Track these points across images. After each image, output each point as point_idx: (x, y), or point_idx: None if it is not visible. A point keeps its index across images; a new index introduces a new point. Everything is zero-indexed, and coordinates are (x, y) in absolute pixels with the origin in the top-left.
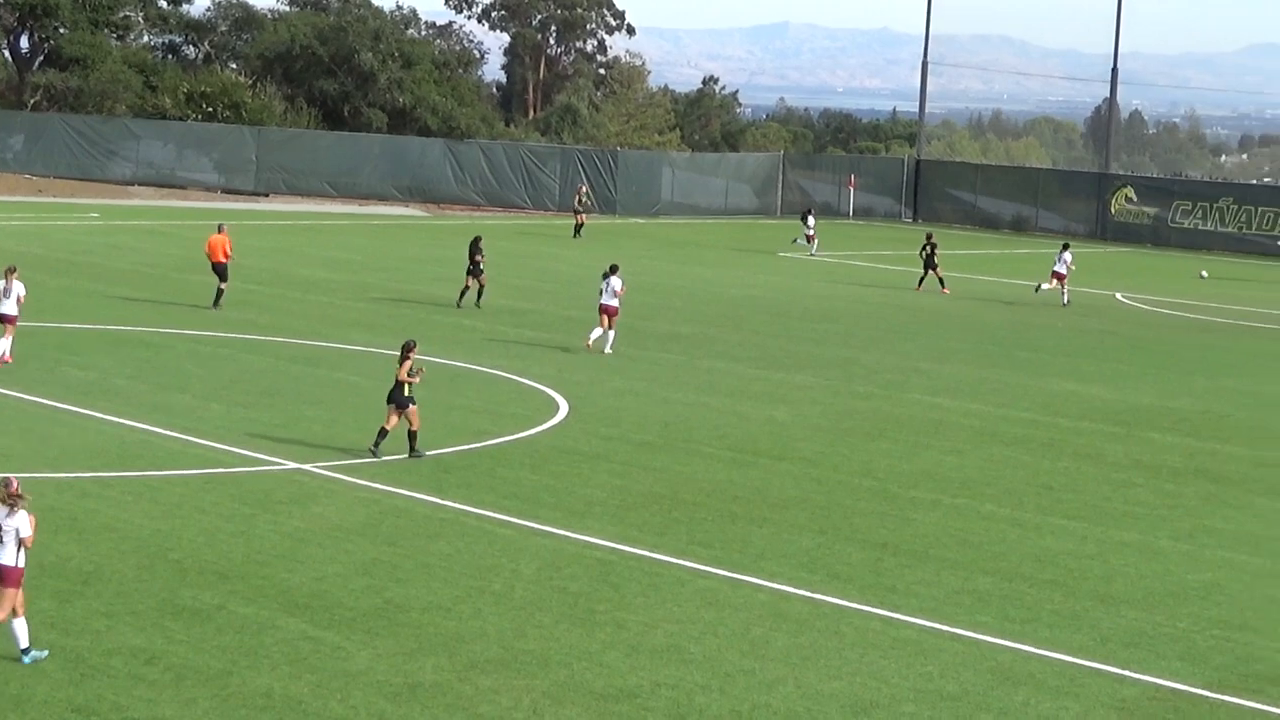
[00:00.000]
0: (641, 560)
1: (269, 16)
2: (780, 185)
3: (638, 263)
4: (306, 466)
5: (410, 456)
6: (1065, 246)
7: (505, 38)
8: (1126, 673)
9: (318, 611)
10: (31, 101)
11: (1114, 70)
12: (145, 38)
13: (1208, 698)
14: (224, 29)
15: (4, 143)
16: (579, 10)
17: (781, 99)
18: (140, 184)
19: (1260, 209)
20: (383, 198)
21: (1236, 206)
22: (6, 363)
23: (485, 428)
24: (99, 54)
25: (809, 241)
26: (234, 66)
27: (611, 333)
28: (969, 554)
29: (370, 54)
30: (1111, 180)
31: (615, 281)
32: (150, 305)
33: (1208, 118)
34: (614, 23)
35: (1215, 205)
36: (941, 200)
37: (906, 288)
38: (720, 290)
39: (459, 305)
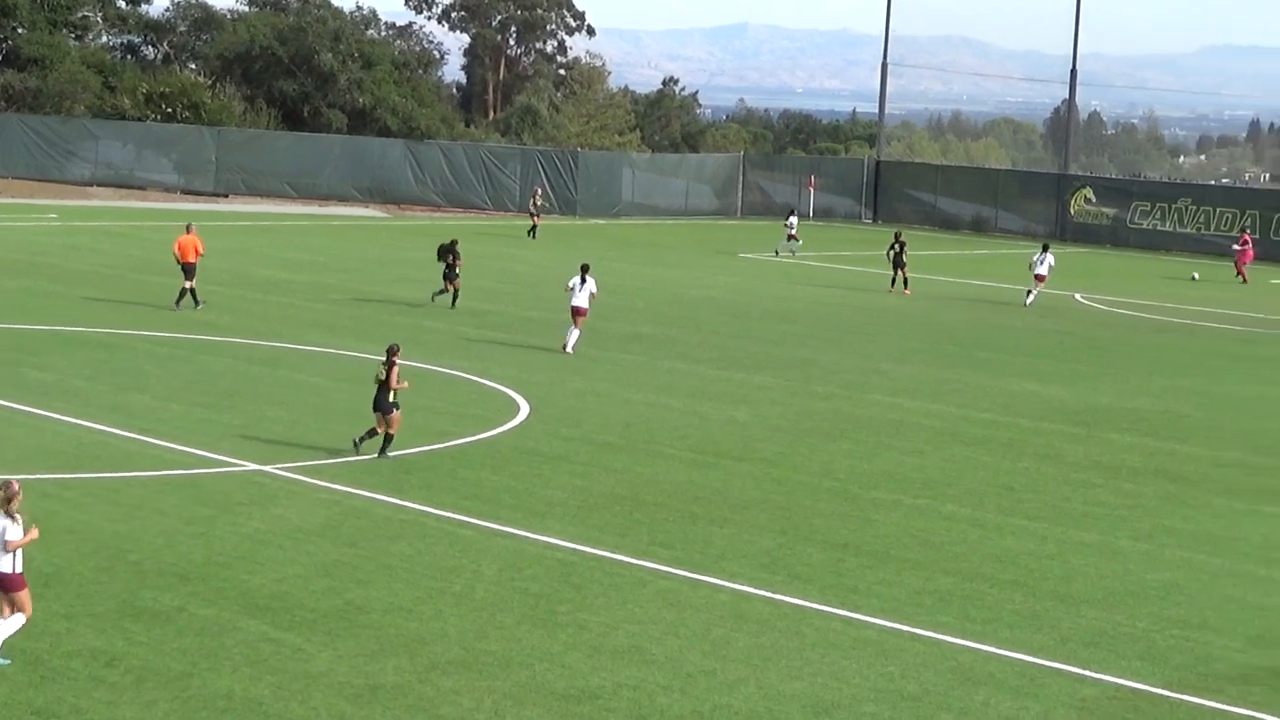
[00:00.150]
0: (603, 561)
1: (228, 17)
2: (740, 186)
3: (598, 264)
4: (267, 468)
5: (380, 457)
6: (1045, 248)
7: (465, 38)
8: (1087, 672)
9: (278, 613)
10: None
11: (1073, 71)
12: (104, 38)
13: (1167, 697)
14: (183, 29)
15: None
16: (539, 11)
17: (741, 100)
18: (99, 185)
19: (1218, 210)
20: (343, 198)
21: (1195, 207)
22: None
23: (446, 429)
24: (57, 54)
25: (790, 240)
26: (193, 67)
27: (576, 332)
28: (930, 554)
29: (330, 54)
30: (1071, 181)
31: (591, 284)
32: (109, 306)
33: (1166, 119)
34: (574, 23)
35: (1174, 206)
36: (901, 201)
37: (866, 288)
38: (680, 291)
39: (433, 300)
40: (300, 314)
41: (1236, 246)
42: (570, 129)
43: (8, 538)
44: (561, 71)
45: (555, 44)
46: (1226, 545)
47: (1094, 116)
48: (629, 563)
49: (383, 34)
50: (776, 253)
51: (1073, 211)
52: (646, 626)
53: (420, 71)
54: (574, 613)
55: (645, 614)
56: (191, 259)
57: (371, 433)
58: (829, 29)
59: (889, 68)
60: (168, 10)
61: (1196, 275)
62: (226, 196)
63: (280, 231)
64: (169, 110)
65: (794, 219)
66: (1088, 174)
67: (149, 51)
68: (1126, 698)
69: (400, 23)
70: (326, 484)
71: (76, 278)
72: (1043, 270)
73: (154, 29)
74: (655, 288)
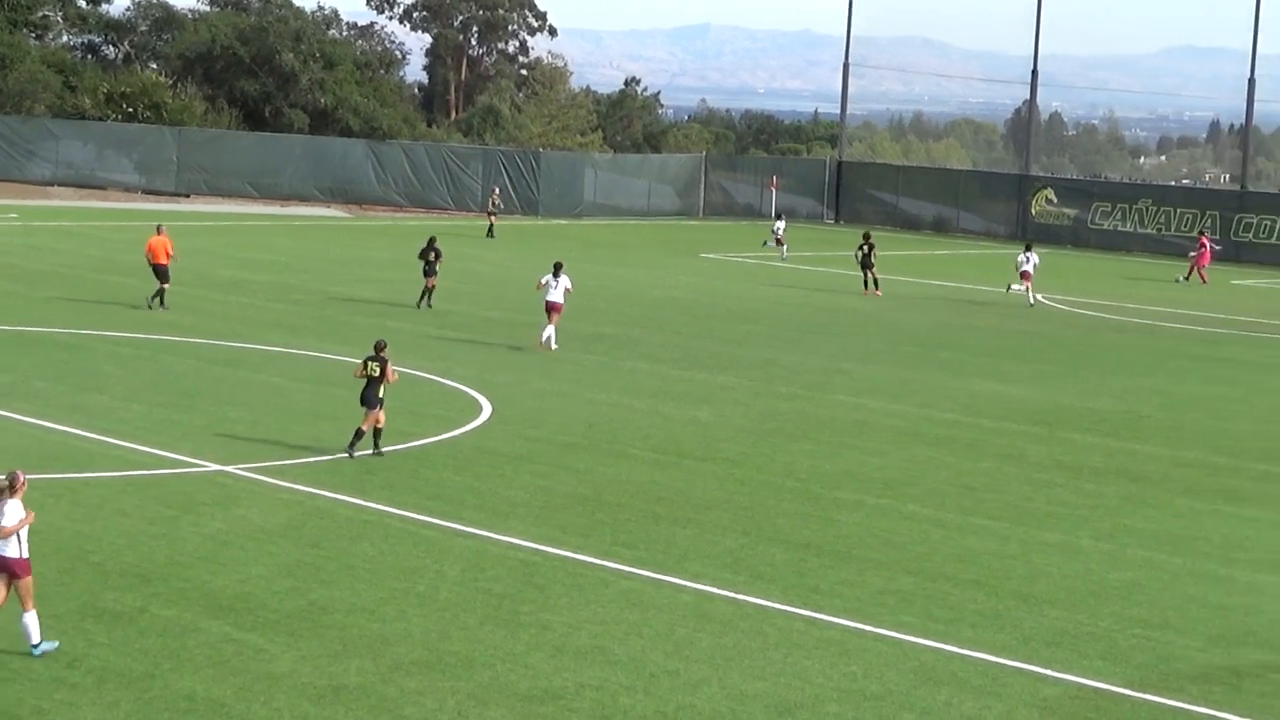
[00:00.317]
0: (565, 561)
1: (189, 16)
2: (702, 186)
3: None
4: (229, 468)
5: (348, 450)
6: (1028, 247)
7: (427, 38)
8: (1049, 672)
9: (241, 614)
10: None
11: (1034, 72)
12: (64, 37)
13: (1129, 696)
14: (144, 29)
15: None
16: (500, 11)
17: (703, 100)
18: (60, 184)
19: (1178, 210)
20: (304, 198)
21: (1155, 208)
22: None
23: (408, 429)
24: (17, 54)
25: (778, 245)
26: (154, 67)
27: (551, 327)
28: (892, 554)
29: (291, 54)
30: (1032, 181)
31: (566, 280)
32: (69, 306)
33: (1126, 119)
34: (535, 24)
35: (1134, 207)
36: (863, 201)
37: (829, 289)
38: (643, 291)
39: (425, 306)
40: (262, 314)
41: (1193, 253)
42: (532, 129)
43: (3, 523)
44: (523, 72)
45: (517, 44)
46: (1187, 545)
47: (1055, 117)
48: (592, 563)
49: (344, 34)
50: (764, 244)
51: (1034, 212)
52: (609, 627)
53: (382, 71)
54: (537, 613)
55: (608, 614)
56: (162, 260)
57: (359, 434)
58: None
59: (850, 68)
60: (128, 10)
61: (1180, 278)
62: (188, 196)
63: (242, 231)
64: (130, 110)
65: (781, 224)
66: (1049, 175)
67: (110, 51)
68: (1088, 697)
69: (362, 23)
70: (289, 484)
71: (37, 278)
72: (1028, 268)
73: (115, 29)
74: (617, 288)
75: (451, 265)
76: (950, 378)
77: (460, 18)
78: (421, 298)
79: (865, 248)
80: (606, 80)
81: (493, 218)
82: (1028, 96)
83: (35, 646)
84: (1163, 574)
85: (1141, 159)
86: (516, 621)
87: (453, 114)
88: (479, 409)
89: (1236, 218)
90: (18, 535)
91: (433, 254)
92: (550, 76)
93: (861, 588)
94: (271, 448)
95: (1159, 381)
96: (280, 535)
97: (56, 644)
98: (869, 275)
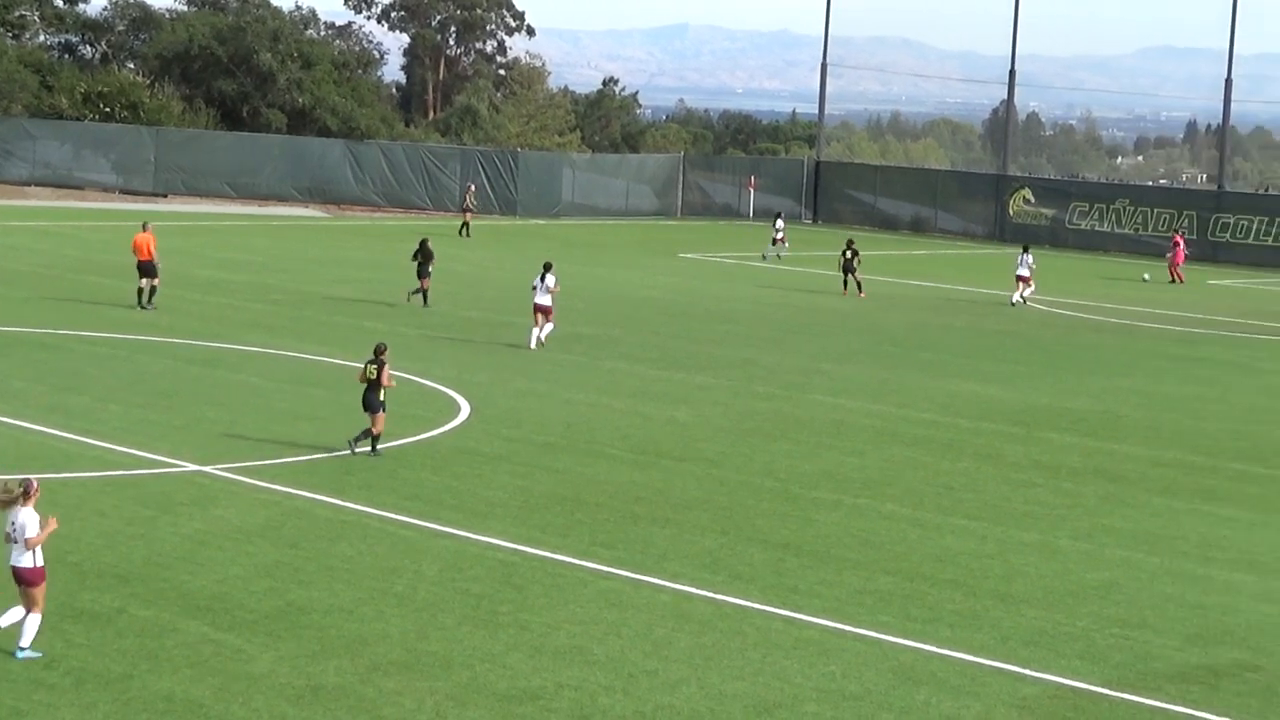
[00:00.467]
0: (544, 561)
1: (167, 16)
2: (680, 186)
3: (539, 264)
4: (207, 468)
5: (351, 445)
6: (1025, 249)
7: (405, 38)
8: (1027, 671)
9: (219, 614)
10: None
11: (1011, 72)
12: (41, 37)
13: (1107, 695)
14: (121, 29)
15: None
16: (478, 11)
17: (681, 100)
18: (37, 184)
19: (1155, 210)
20: (282, 198)
21: (1133, 208)
22: None
23: (386, 429)
24: None
25: (775, 245)
26: (131, 66)
27: (549, 325)
28: (870, 554)
29: (269, 54)
30: (1009, 181)
31: (550, 280)
32: (46, 306)
33: (1103, 120)
34: (513, 23)
35: (1111, 206)
36: (841, 201)
37: (807, 289)
38: (621, 291)
39: (422, 304)
40: (239, 314)
41: (1168, 254)
42: (510, 129)
43: (28, 535)
44: (501, 72)
45: (495, 44)
46: (1165, 544)
47: (1032, 117)
48: (570, 563)
49: (322, 34)
50: (764, 257)
51: (1011, 212)
52: (588, 627)
53: (360, 71)
54: (515, 613)
55: (587, 614)
56: (146, 256)
57: (366, 433)
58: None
59: (828, 68)
60: (105, 9)
61: (1147, 276)
62: (165, 196)
63: (219, 231)
64: (107, 110)
65: (781, 222)
66: (1026, 175)
67: (87, 51)
68: (1066, 696)
69: (339, 22)
70: (267, 484)
71: (14, 278)
72: (1023, 271)
73: (92, 28)
74: (596, 288)
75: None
76: (928, 378)
77: (438, 17)
78: (411, 295)
79: (848, 254)
80: (584, 80)
81: (468, 214)
82: (1005, 97)
83: (21, 649)
84: (1140, 573)
85: (1119, 159)
86: (495, 621)
87: (431, 114)
88: (457, 409)
89: (1214, 218)
90: (26, 545)
91: (422, 255)
92: (528, 76)
93: (840, 587)
94: (250, 448)
95: (1137, 381)
96: (258, 535)
97: (40, 654)
98: (853, 278)
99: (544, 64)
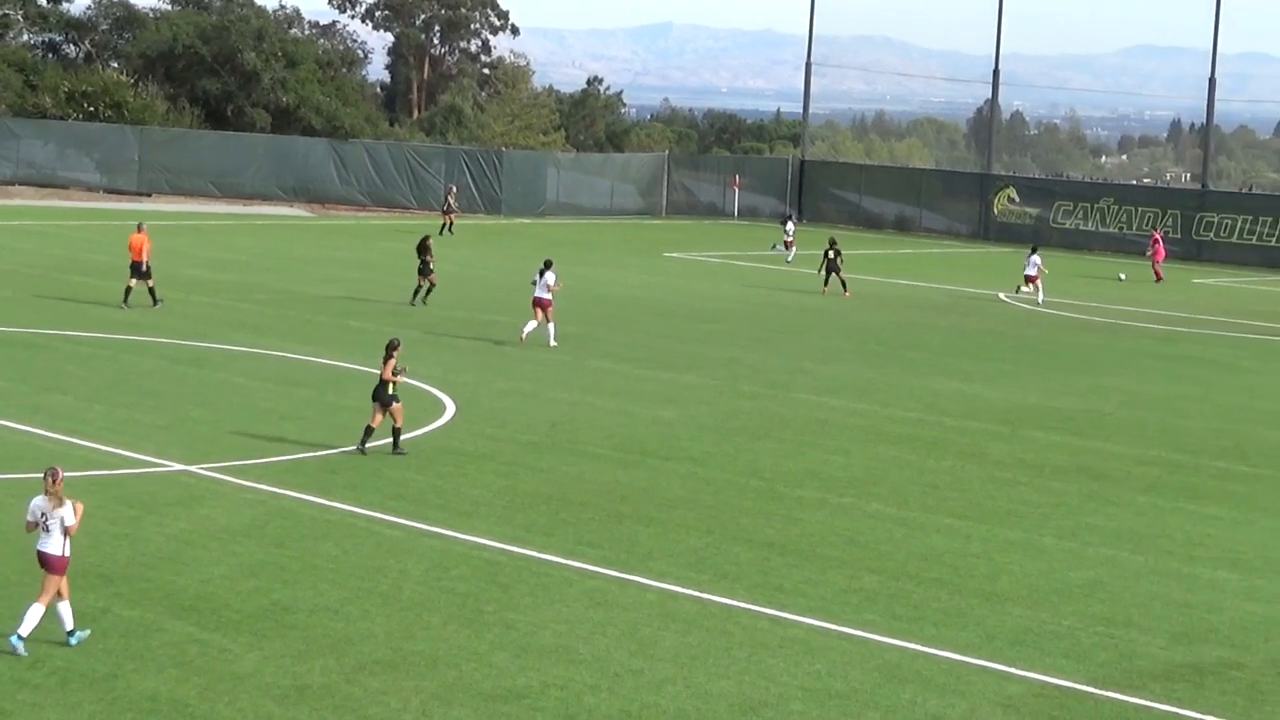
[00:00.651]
0: (529, 560)
1: (150, 15)
2: (665, 185)
3: (524, 263)
4: (192, 468)
5: (394, 453)
6: (1034, 249)
7: (389, 37)
8: (1012, 670)
9: (204, 614)
10: None
11: (995, 71)
12: (25, 36)
13: (1092, 694)
14: (105, 28)
15: None
16: (463, 10)
17: (666, 99)
18: (20, 184)
19: (1140, 209)
20: (267, 198)
21: (1117, 207)
22: None
23: (375, 428)
24: None
25: (787, 248)
26: (115, 65)
27: (551, 325)
28: (855, 553)
29: (253, 53)
30: (994, 180)
31: (550, 277)
32: (31, 306)
33: (1088, 119)
34: (498, 22)
35: (1096, 206)
36: (826, 200)
37: (792, 288)
38: (606, 290)
39: (412, 304)
40: (225, 314)
41: (1148, 253)
42: (495, 128)
43: (67, 524)
44: (486, 71)
45: (479, 43)
46: (1149, 542)
47: (1016, 116)
48: (556, 562)
49: (306, 33)
50: (773, 247)
51: (996, 211)
52: (574, 626)
53: (344, 70)
54: (501, 612)
55: (572, 613)
56: (140, 257)
57: (368, 430)
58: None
59: (813, 67)
60: (89, 8)
61: (1123, 276)
62: (150, 196)
63: (204, 231)
64: (91, 109)
65: (791, 224)
66: (1011, 174)
67: (70, 50)
68: (1052, 695)
69: (324, 21)
70: (252, 484)
71: None
72: (1031, 270)
73: (75, 27)
74: (581, 287)
75: (414, 264)
76: (913, 377)
77: (422, 17)
78: (415, 294)
79: (831, 253)
80: (569, 79)
81: (449, 216)
82: (989, 96)
83: (71, 634)
84: (1125, 572)
85: (1103, 158)
86: (480, 621)
87: (415, 113)
88: (442, 408)
89: (1197, 216)
90: (64, 533)
91: (428, 254)
92: (513, 75)
93: (825, 586)
94: (235, 447)
95: (1121, 380)
96: (244, 535)
97: (88, 632)
98: (837, 277)
99: (528, 63)
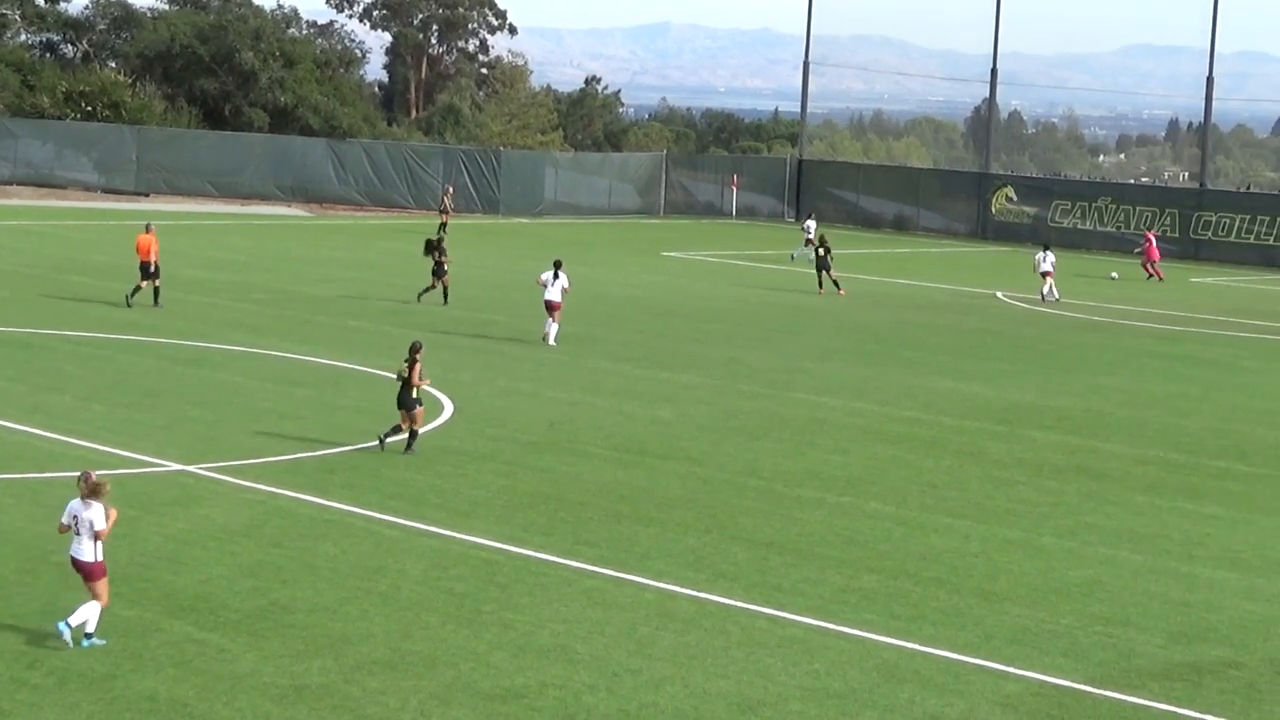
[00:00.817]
0: (528, 560)
1: (148, 15)
2: (663, 185)
3: (521, 263)
4: (190, 468)
5: (405, 452)
6: (1046, 247)
7: (387, 37)
8: (1010, 669)
9: (203, 614)
10: None
11: (993, 70)
12: (22, 36)
13: (1090, 693)
14: (103, 27)
15: None
16: (460, 10)
17: (664, 99)
18: (18, 184)
19: (1138, 208)
20: (265, 197)
21: (1115, 206)
22: None
23: (370, 428)
24: None
25: (807, 246)
26: (113, 65)
27: (555, 325)
28: (854, 552)
29: (251, 53)
30: (992, 180)
31: (564, 279)
32: (29, 305)
33: (1085, 118)
34: (496, 22)
35: (1094, 205)
36: (824, 200)
37: (790, 288)
38: (604, 290)
39: (419, 301)
40: (223, 313)
41: (1137, 250)
42: (492, 128)
43: (96, 528)
44: (483, 70)
45: (477, 43)
46: (1148, 542)
47: (1014, 116)
48: (554, 562)
49: (304, 32)
50: (792, 257)
51: (994, 210)
52: (572, 625)
53: (342, 70)
54: (499, 612)
55: (571, 613)
56: (148, 258)
57: (395, 429)
58: (751, 28)
59: (810, 67)
60: (87, 8)
61: (1115, 275)
62: (148, 195)
63: (202, 231)
64: (89, 109)
65: (811, 223)
66: (1009, 173)
67: (68, 50)
68: (1050, 694)
69: (321, 21)
70: (251, 484)
71: None
72: (1046, 267)
73: (73, 27)
74: (579, 286)
75: (413, 264)
76: (911, 376)
77: (420, 16)
78: (424, 291)
79: (821, 250)
80: (567, 79)
81: (445, 216)
82: (987, 95)
83: (87, 637)
84: (1123, 571)
85: (1101, 157)
86: (479, 620)
87: (413, 113)
88: (441, 408)
89: (1195, 215)
90: (95, 538)
91: (437, 253)
92: (510, 75)
93: (824, 586)
94: (233, 447)
95: (1120, 379)
96: (242, 535)
97: (104, 641)
98: (825, 276)
99: (526, 63)
